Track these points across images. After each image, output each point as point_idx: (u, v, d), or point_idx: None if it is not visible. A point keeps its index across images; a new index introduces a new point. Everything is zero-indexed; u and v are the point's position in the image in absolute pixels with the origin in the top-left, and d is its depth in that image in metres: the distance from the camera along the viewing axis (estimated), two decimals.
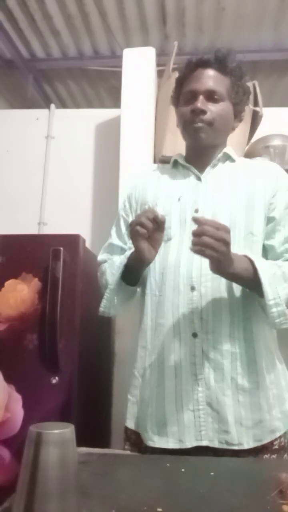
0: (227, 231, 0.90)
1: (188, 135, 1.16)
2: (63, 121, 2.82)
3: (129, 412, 1.12)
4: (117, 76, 2.49)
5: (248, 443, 0.99)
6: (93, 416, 1.88)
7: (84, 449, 0.92)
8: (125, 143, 2.16)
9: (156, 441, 1.02)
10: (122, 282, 1.12)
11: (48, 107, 2.89)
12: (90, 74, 3.14)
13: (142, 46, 2.48)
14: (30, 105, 3.14)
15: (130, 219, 1.21)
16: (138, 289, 1.20)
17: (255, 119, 2.13)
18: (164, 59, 2.28)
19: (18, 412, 1.61)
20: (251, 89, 2.10)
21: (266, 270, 0.98)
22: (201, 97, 1.11)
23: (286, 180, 1.15)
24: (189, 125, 1.13)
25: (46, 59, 3.04)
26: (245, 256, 1.00)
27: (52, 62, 3.05)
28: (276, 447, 1.03)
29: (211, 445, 0.99)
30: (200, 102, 1.10)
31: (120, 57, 2.34)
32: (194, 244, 0.89)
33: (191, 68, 1.15)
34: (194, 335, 1.03)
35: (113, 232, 1.26)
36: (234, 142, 2.02)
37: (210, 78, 1.12)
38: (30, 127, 2.81)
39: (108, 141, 2.65)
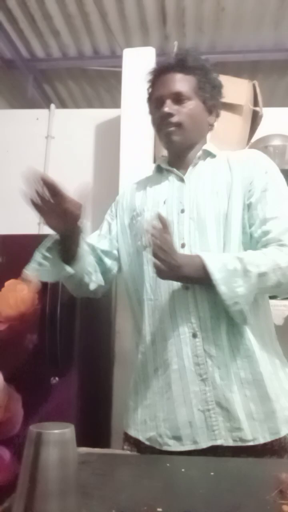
0: (164, 241, 0.93)
1: (162, 141, 1.17)
2: (63, 121, 2.82)
3: (129, 418, 1.10)
4: (117, 76, 2.49)
5: (264, 437, 0.98)
6: (93, 416, 1.88)
7: (84, 449, 0.92)
8: (125, 143, 2.16)
9: (172, 445, 1.01)
10: (53, 252, 1.09)
11: (48, 107, 2.89)
12: (90, 74, 3.14)
13: (142, 46, 2.49)
14: (30, 105, 3.14)
15: (114, 223, 1.24)
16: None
17: (255, 119, 2.13)
18: (164, 59, 2.28)
19: (18, 412, 1.61)
20: (251, 89, 2.10)
21: (223, 268, 0.95)
22: (168, 101, 1.11)
23: (264, 163, 1.13)
24: (161, 131, 1.14)
25: (46, 59, 3.03)
26: (198, 257, 0.98)
27: (52, 62, 3.05)
28: (276, 448, 1.02)
29: (225, 443, 0.98)
30: (167, 106, 1.11)
31: (120, 57, 2.34)
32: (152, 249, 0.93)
33: (154, 75, 1.17)
34: (194, 335, 1.02)
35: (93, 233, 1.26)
36: (234, 142, 2.03)
37: (173, 81, 1.13)
38: (30, 127, 2.81)
39: (108, 141, 2.65)
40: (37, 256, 1.09)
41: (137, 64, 2.26)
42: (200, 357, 1.01)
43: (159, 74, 1.16)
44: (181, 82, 1.13)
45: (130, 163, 2.12)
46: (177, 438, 1.01)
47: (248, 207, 1.08)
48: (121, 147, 2.16)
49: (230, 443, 0.98)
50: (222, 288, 0.94)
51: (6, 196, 2.68)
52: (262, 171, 1.10)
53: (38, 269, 1.09)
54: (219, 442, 0.98)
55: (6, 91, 3.35)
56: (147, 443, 1.04)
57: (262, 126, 2.17)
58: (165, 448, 1.01)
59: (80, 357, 1.70)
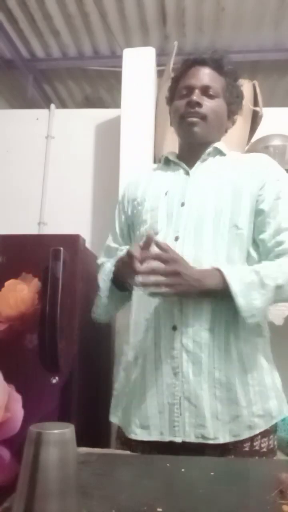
0: (175, 260, 0.94)
1: (182, 130, 1.16)
2: (63, 121, 2.82)
3: (112, 406, 1.15)
4: (117, 76, 2.49)
5: (224, 437, 0.98)
6: (93, 416, 1.87)
7: (84, 449, 0.92)
8: (125, 143, 2.16)
9: (139, 434, 1.03)
10: (113, 288, 1.14)
11: (48, 107, 2.89)
12: (90, 74, 3.14)
13: (142, 46, 2.49)
14: (30, 105, 3.14)
15: (123, 218, 1.25)
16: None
17: (255, 119, 2.13)
18: (164, 59, 2.28)
19: (18, 412, 1.61)
20: (251, 89, 2.10)
21: (241, 281, 0.97)
22: (197, 91, 1.13)
23: (276, 170, 1.14)
24: (184, 119, 1.14)
25: (46, 59, 3.03)
26: (217, 270, 0.98)
27: (52, 62, 3.05)
28: (265, 450, 1.02)
29: (187, 439, 0.99)
30: (196, 96, 1.12)
31: (120, 57, 2.34)
32: (145, 285, 0.94)
33: (188, 65, 1.18)
34: (174, 328, 1.03)
35: (110, 234, 1.29)
36: (234, 142, 2.03)
37: (206, 75, 1.15)
38: (30, 127, 2.81)
39: (108, 141, 2.65)
40: (103, 300, 1.16)
41: (137, 64, 2.26)
42: (176, 350, 1.02)
43: (192, 65, 1.17)
44: (213, 78, 1.15)
45: (130, 163, 2.11)
46: (145, 427, 1.03)
47: (260, 213, 1.08)
48: (121, 147, 2.16)
49: (193, 439, 0.99)
50: (240, 300, 0.95)
51: (6, 196, 2.68)
52: (274, 178, 1.11)
53: (108, 313, 1.20)
54: (177, 439, 0.99)
55: (6, 91, 3.35)
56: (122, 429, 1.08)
57: (262, 126, 2.17)
58: (132, 436, 1.04)
59: (80, 357, 1.70)
